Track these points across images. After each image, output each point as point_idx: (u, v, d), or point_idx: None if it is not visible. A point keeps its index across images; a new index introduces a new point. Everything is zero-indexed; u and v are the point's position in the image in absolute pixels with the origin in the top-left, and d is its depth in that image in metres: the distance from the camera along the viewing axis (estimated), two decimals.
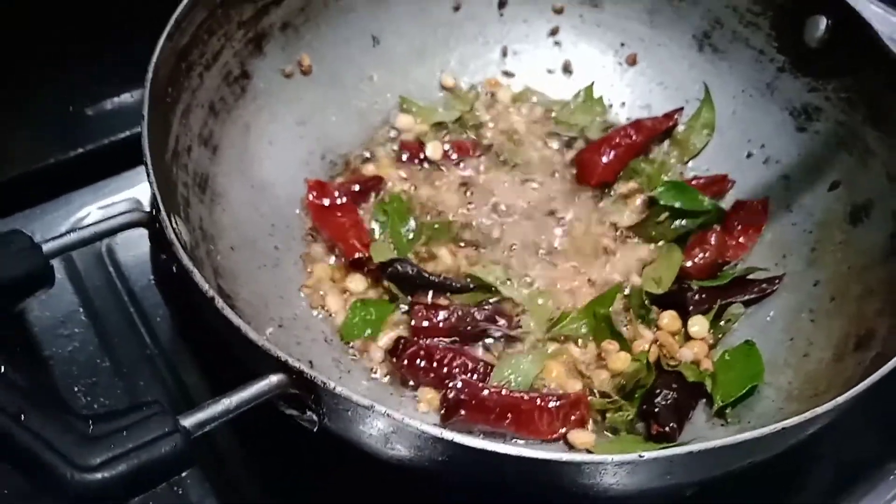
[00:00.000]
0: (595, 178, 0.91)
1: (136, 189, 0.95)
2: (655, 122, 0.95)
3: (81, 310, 0.85)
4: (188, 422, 0.49)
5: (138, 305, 0.86)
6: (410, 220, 0.87)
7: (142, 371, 0.81)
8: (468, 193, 0.91)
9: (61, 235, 0.58)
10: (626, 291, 0.83)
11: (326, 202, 0.85)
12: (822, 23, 0.84)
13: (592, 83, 0.98)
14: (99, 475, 0.44)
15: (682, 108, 0.96)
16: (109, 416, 0.47)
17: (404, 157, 0.92)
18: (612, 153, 0.92)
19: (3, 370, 0.46)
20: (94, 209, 0.93)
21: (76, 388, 0.80)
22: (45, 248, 0.56)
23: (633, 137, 0.93)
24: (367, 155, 0.93)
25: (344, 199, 0.86)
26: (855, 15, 0.81)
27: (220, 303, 0.56)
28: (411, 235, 0.86)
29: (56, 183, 0.95)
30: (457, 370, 0.75)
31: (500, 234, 0.88)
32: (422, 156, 0.92)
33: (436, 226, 0.87)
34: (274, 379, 0.53)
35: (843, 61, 0.83)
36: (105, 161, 0.97)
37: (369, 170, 0.91)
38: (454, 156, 0.93)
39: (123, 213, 0.62)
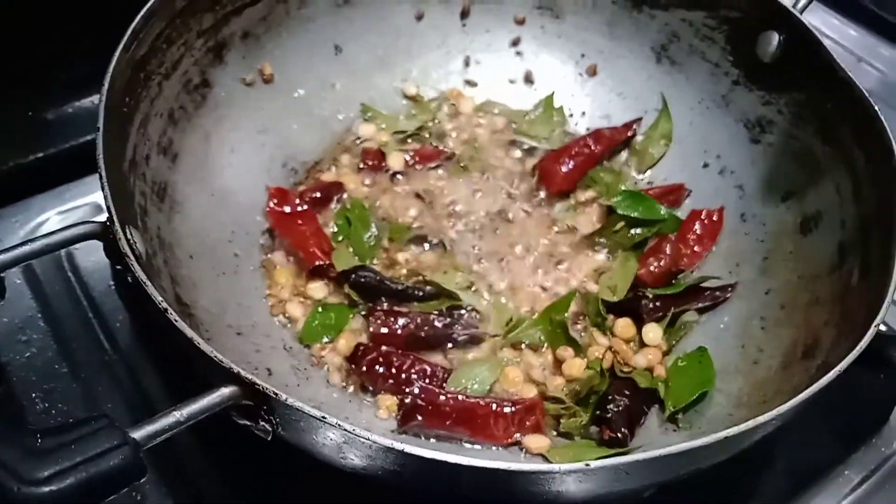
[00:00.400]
0: (555, 187, 0.93)
1: (97, 195, 0.93)
2: (614, 132, 0.96)
3: (40, 315, 0.85)
4: (138, 434, 0.49)
5: (97, 311, 0.86)
6: (372, 226, 0.88)
7: (100, 377, 0.81)
8: (429, 201, 0.92)
9: (12, 248, 0.58)
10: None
11: (287, 209, 0.86)
12: (775, 39, 0.86)
13: (553, 93, 1.00)
14: (47, 489, 0.44)
15: (640, 119, 0.97)
16: (58, 430, 0.47)
17: (366, 166, 0.93)
18: (572, 162, 0.93)
19: None
20: (53, 214, 0.93)
21: (34, 394, 0.79)
22: None
23: (593, 147, 0.94)
24: (329, 163, 0.93)
25: (304, 207, 0.86)
26: (806, 32, 0.83)
27: (172, 315, 0.56)
28: (373, 242, 0.87)
29: (15, 188, 0.94)
30: (415, 376, 0.76)
31: (460, 241, 0.89)
32: (384, 165, 0.93)
33: (393, 227, 0.88)
34: (226, 391, 0.53)
35: (794, 77, 0.85)
36: (65, 166, 0.97)
37: (330, 176, 0.92)
38: (415, 164, 0.94)
39: (77, 224, 0.62)
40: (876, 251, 0.71)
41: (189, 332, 0.55)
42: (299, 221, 0.85)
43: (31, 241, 0.59)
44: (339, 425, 0.53)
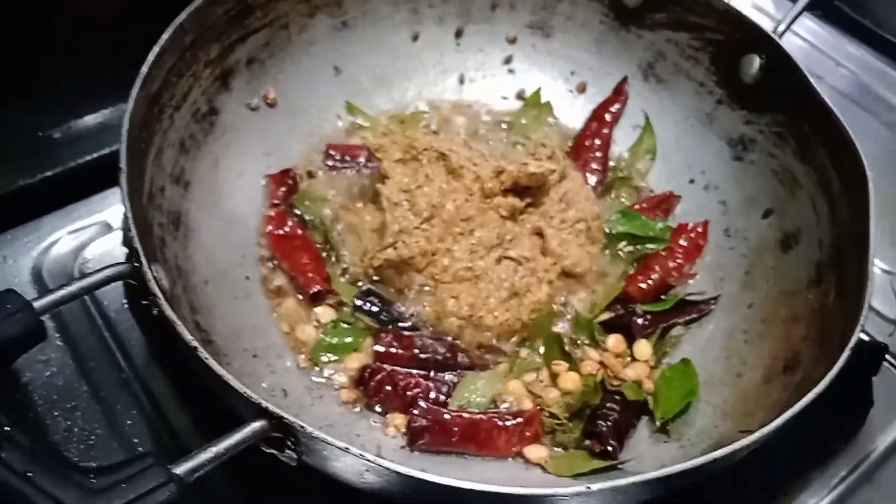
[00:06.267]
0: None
1: (106, 213, 0.97)
2: (607, 104, 1.01)
3: (57, 335, 0.87)
4: (180, 470, 0.53)
5: (113, 330, 0.88)
6: (326, 209, 0.91)
7: (119, 395, 0.83)
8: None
9: (51, 292, 0.62)
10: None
11: (285, 231, 0.88)
12: (756, 61, 0.91)
13: (539, 89, 1.03)
14: None
15: (626, 78, 1.01)
16: (109, 470, 0.51)
17: (332, 161, 0.95)
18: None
19: (11, 432, 0.50)
20: (64, 234, 0.95)
21: (56, 413, 0.82)
22: (37, 305, 0.60)
23: (603, 129, 1.00)
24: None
25: (300, 230, 0.89)
26: (786, 57, 0.87)
27: (203, 353, 0.60)
28: (328, 222, 0.90)
29: (24, 208, 0.96)
30: (420, 395, 0.79)
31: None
32: (361, 159, 0.94)
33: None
34: (257, 425, 0.57)
35: (774, 99, 0.90)
36: (73, 184, 0.99)
37: None
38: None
39: (108, 266, 0.65)
40: (850, 273, 0.76)
41: (220, 370, 0.59)
42: (296, 244, 0.87)
43: (68, 285, 0.62)
44: (361, 455, 0.57)
